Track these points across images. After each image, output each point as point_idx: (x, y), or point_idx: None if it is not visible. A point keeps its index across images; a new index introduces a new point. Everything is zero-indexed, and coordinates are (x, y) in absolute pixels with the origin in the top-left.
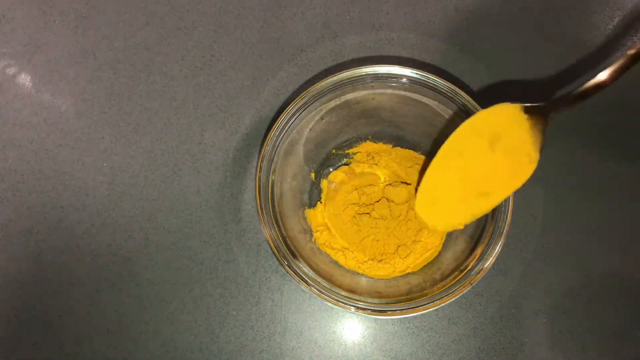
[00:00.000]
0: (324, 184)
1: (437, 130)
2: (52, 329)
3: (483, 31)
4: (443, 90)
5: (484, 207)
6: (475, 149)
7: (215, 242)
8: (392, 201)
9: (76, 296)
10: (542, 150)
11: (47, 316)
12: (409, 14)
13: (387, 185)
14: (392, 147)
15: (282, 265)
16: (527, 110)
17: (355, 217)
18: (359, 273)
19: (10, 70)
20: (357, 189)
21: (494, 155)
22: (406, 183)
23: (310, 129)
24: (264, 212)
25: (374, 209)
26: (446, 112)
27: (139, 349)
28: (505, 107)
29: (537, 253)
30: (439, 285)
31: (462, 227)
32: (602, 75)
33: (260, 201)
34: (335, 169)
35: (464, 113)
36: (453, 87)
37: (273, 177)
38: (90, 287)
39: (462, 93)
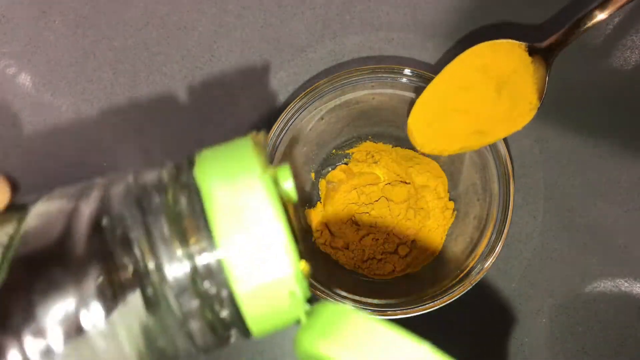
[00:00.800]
0: (322, 183)
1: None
2: None
3: (484, 31)
4: None
5: (476, 144)
6: (483, 89)
7: None
8: (392, 200)
9: None
10: (543, 98)
11: None
12: (409, 14)
13: (386, 184)
14: (392, 147)
15: None
16: (531, 52)
17: (354, 217)
18: (358, 273)
19: (10, 70)
20: (356, 189)
21: (499, 99)
22: (406, 182)
23: (310, 129)
24: None
25: (373, 209)
26: None
27: None
28: (511, 46)
29: (537, 253)
30: (439, 285)
31: (446, 155)
32: (599, 14)
33: None
34: (334, 168)
35: None
36: None
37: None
38: None
39: None
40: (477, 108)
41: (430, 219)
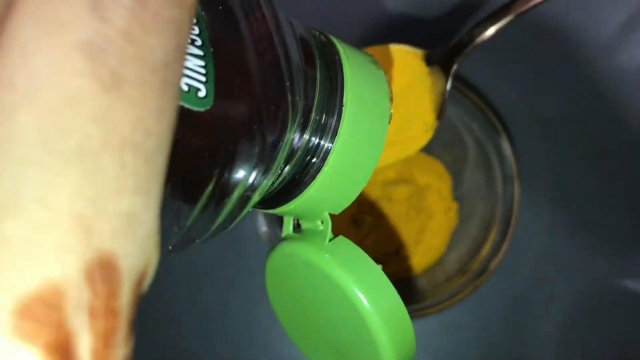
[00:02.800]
0: None
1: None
2: None
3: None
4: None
5: None
6: None
7: (212, 242)
8: (393, 200)
9: None
10: (442, 117)
11: None
12: (409, 12)
13: (387, 183)
14: None
15: None
16: (429, 61)
17: (354, 217)
18: None
19: None
20: None
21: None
22: (407, 182)
23: None
24: (263, 214)
25: (374, 208)
26: (449, 111)
27: (134, 353)
28: (405, 54)
29: (543, 255)
30: (442, 288)
31: None
32: (489, 33)
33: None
34: None
35: (466, 110)
36: (457, 85)
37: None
38: None
39: (467, 91)
40: None
41: (433, 219)
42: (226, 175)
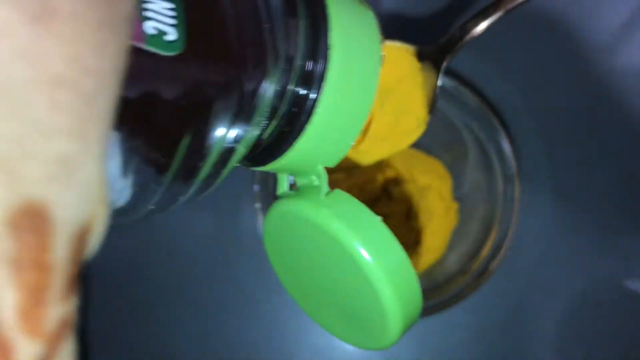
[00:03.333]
0: None
1: (440, 128)
2: None
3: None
4: (445, 88)
5: (357, 162)
6: None
7: (211, 243)
8: (393, 200)
9: None
10: (433, 111)
11: None
12: (401, 10)
13: (387, 183)
14: None
15: None
16: (420, 57)
17: None
18: None
19: None
20: (356, 187)
21: (381, 112)
22: (407, 182)
23: None
24: (263, 213)
25: (373, 208)
26: (449, 110)
27: (134, 354)
28: (397, 51)
29: (543, 255)
30: (442, 289)
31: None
32: (479, 29)
33: (258, 202)
34: None
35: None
36: (456, 85)
37: (272, 177)
38: (83, 291)
39: (467, 91)
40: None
41: (434, 220)
42: (203, 126)
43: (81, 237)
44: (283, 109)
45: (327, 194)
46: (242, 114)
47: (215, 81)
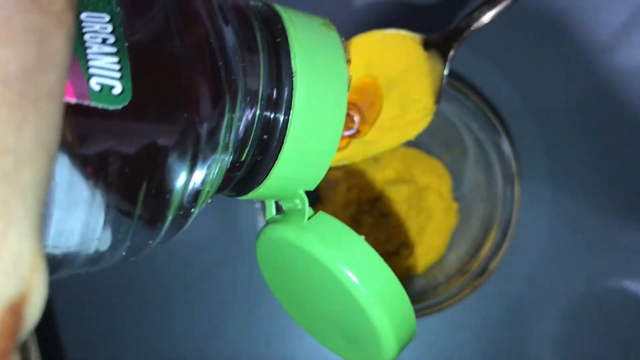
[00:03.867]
0: (320, 183)
1: (440, 128)
2: (41, 335)
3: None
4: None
5: (359, 154)
6: (368, 87)
7: (211, 243)
8: (393, 200)
9: (67, 301)
10: (440, 100)
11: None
12: (408, 8)
13: (387, 183)
14: None
15: None
16: (427, 46)
17: (354, 217)
18: None
19: None
20: (355, 188)
21: (387, 102)
22: (407, 181)
23: None
24: (263, 213)
25: (373, 208)
26: (449, 111)
27: (134, 355)
28: (402, 39)
29: (543, 255)
30: (442, 288)
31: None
32: (486, 18)
33: (258, 202)
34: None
35: (466, 110)
36: (457, 85)
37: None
38: (82, 291)
39: (467, 91)
40: (359, 112)
41: (433, 219)
42: (159, 173)
43: (16, 309)
44: (253, 139)
45: (310, 217)
46: (200, 156)
47: (167, 129)
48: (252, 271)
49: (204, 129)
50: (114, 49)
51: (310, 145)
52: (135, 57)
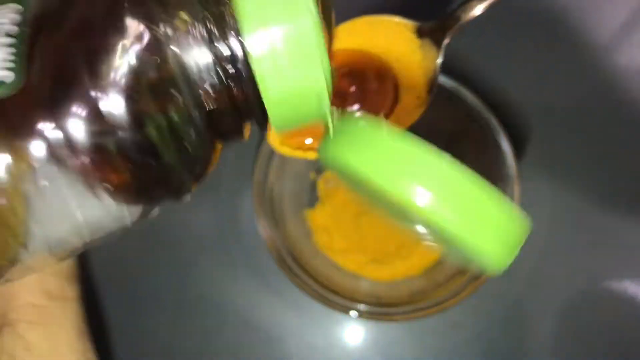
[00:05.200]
0: (321, 183)
1: (439, 128)
2: None
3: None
4: (445, 88)
5: None
6: (359, 74)
7: (211, 244)
8: None
9: None
10: (433, 90)
11: None
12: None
13: None
14: None
15: (281, 268)
16: (420, 33)
17: (355, 216)
18: (359, 276)
19: None
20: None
21: (381, 88)
22: None
23: None
24: (263, 213)
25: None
26: (448, 109)
27: (133, 354)
28: (395, 26)
29: (543, 255)
30: (442, 289)
31: (312, 157)
32: (480, 7)
33: (258, 202)
34: None
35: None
36: (456, 85)
37: (271, 177)
38: (82, 291)
39: (466, 91)
40: (350, 100)
41: None
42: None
43: None
44: (214, 80)
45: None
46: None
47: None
48: (252, 271)
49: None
50: (9, 40)
51: (289, 55)
52: (33, 43)
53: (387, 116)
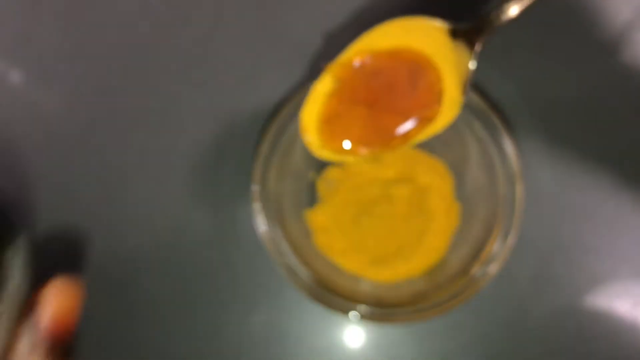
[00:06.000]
0: (321, 184)
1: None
2: None
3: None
4: None
5: (385, 147)
6: (393, 78)
7: (211, 244)
8: (393, 200)
9: None
10: (466, 92)
11: None
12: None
13: (387, 183)
14: None
15: (280, 269)
16: (454, 35)
17: (355, 217)
18: (360, 277)
19: None
20: (356, 188)
21: (413, 92)
22: (408, 181)
23: None
24: (262, 213)
25: (374, 208)
26: None
27: (133, 353)
28: (429, 27)
29: (545, 256)
30: (443, 290)
31: (350, 161)
32: (513, 12)
33: (257, 202)
34: (334, 167)
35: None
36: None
37: (271, 177)
38: (84, 291)
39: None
40: (385, 101)
41: (435, 220)
42: None
43: None
44: None
45: None
46: None
47: None
48: (252, 271)
49: None
50: None
51: None
52: None
53: (432, 117)
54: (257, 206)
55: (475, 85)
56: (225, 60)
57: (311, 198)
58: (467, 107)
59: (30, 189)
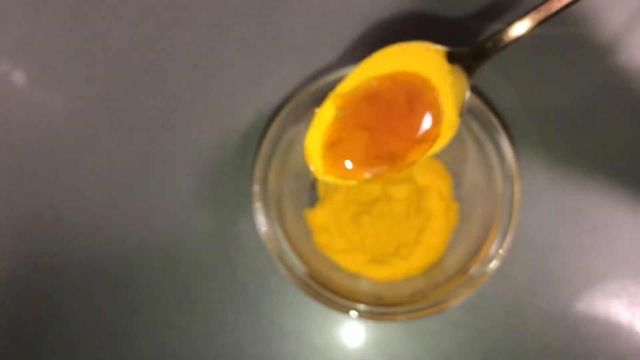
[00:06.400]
0: (321, 184)
1: None
2: (44, 334)
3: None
4: None
5: (387, 170)
6: (392, 101)
7: (212, 244)
8: (393, 199)
9: (69, 300)
10: (462, 113)
11: (38, 321)
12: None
13: (387, 183)
14: None
15: (281, 268)
16: (451, 59)
17: (354, 216)
18: (359, 276)
19: (3, 68)
20: (355, 188)
21: (411, 114)
22: (407, 181)
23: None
24: (263, 213)
25: (374, 208)
26: None
27: (134, 354)
28: (426, 51)
29: (543, 255)
30: (442, 288)
31: (353, 183)
32: (519, 29)
33: (258, 202)
34: None
35: (467, 110)
36: None
37: (271, 177)
38: (84, 291)
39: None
40: (385, 124)
41: (433, 219)
42: None
43: None
44: None
45: None
46: None
47: None
48: (252, 271)
49: None
50: None
51: None
52: None
53: (431, 138)
54: (257, 206)
55: (473, 86)
56: (227, 62)
57: (311, 198)
58: (466, 108)
59: (32, 190)
